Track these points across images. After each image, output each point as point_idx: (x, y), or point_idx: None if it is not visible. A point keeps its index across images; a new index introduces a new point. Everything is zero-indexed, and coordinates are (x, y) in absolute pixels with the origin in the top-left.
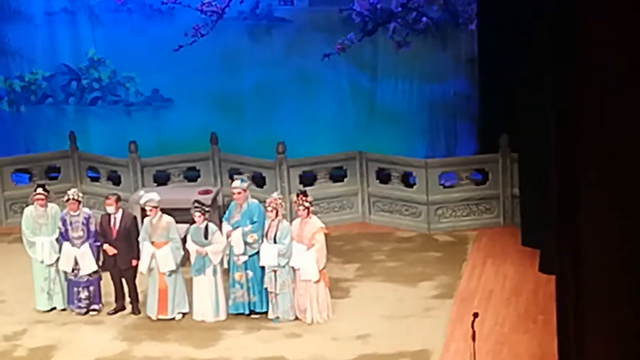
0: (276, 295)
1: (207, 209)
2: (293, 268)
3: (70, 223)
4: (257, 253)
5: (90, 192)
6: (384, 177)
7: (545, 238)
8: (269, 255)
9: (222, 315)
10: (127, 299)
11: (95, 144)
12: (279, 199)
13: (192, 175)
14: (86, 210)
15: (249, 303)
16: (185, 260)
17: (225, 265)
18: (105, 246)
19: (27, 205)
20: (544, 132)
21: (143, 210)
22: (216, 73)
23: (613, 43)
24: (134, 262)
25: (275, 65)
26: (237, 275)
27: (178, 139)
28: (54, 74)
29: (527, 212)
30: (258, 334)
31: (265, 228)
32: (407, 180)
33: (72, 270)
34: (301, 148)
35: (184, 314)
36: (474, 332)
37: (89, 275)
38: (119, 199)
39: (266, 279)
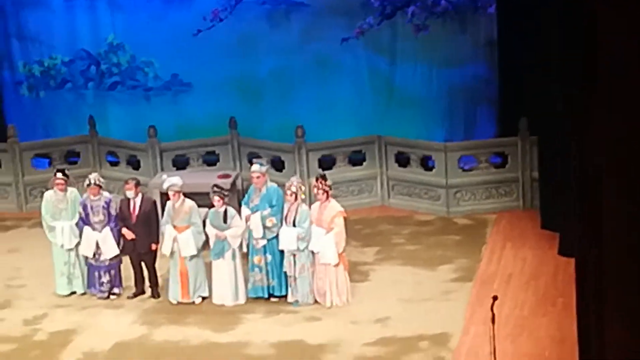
0: (295, 279)
1: (226, 193)
2: (312, 252)
3: (91, 207)
4: (276, 237)
5: (109, 176)
6: (403, 160)
7: (564, 221)
8: (288, 238)
9: (242, 299)
10: (147, 283)
11: (114, 129)
12: (299, 182)
13: (211, 160)
14: (107, 194)
15: (268, 287)
16: (205, 244)
17: (245, 249)
18: (124, 230)
19: (46, 190)
20: (563, 115)
21: (162, 194)
22: (235, 57)
23: (622, 30)
24: (153, 246)
25: (293, 49)
26: (256, 259)
27: (197, 123)
28: (73, 59)
29: (546, 195)
30: (277, 317)
31: (285, 212)
32: (426, 164)
33: (94, 255)
34: (320, 132)
35: (203, 298)
36: (493, 315)
37: (110, 259)
38: (138, 184)
39: (285, 262)
